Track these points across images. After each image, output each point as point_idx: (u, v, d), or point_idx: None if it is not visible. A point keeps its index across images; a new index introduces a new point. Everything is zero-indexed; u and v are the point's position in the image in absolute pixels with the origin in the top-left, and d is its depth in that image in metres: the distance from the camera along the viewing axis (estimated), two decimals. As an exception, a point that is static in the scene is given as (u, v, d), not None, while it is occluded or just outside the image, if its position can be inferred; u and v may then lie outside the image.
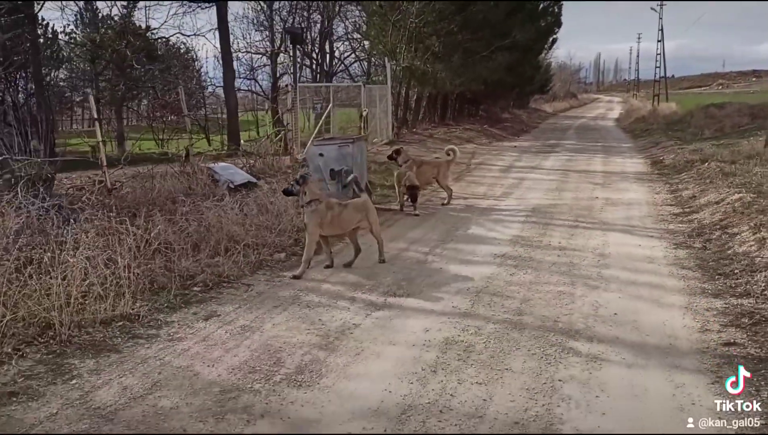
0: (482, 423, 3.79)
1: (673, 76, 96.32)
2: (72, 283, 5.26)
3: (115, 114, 26.09)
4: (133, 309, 5.43)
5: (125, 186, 9.25)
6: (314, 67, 29.59)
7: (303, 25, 27.42)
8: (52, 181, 9.48)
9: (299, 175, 7.21)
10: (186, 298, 5.97)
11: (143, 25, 25.94)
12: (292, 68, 26.76)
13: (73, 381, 4.27)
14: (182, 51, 30.39)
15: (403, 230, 9.30)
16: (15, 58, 17.87)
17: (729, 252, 7.54)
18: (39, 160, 8.09)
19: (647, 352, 4.86)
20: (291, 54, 18.97)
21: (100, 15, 28.28)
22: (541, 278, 6.82)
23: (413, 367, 4.58)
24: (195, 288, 6.22)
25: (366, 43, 30.79)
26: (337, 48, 32.51)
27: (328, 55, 31.21)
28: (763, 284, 6.20)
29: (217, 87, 32.12)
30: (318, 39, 29.45)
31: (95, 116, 9.76)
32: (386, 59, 22.47)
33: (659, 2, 52.61)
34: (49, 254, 5.71)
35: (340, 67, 33.04)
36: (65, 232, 6.27)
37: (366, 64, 33.48)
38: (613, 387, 4.28)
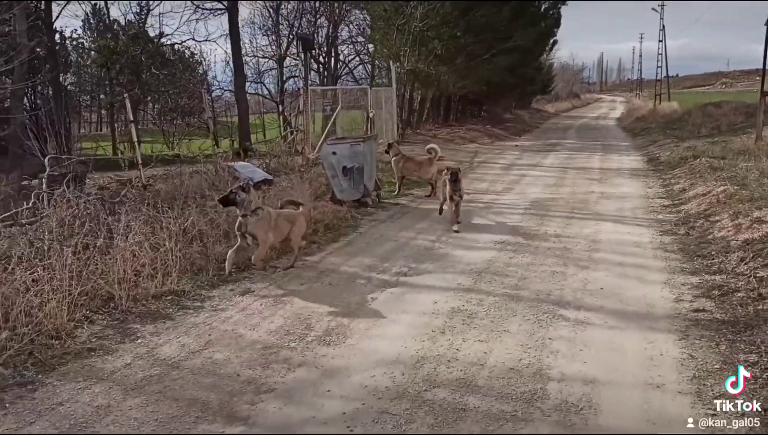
0: (483, 369, 4.57)
1: (677, 75, 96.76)
2: (126, 263, 6.05)
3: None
4: (178, 286, 6.24)
5: (157, 183, 10.05)
6: (321, 70, 30.39)
7: (311, 30, 28.25)
8: (84, 178, 10.32)
9: (243, 183, 6.93)
10: (222, 278, 6.76)
11: (156, 32, 26.85)
12: (300, 72, 27.65)
13: (139, 340, 5.07)
14: (187, 55, 31.22)
15: (412, 222, 10.09)
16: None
17: (709, 237, 8.29)
18: (82, 159, 8.85)
19: (627, 318, 5.63)
20: (302, 59, 19.76)
21: (108, 21, 29.14)
22: (537, 260, 7.58)
23: (424, 329, 5.35)
24: (229, 269, 7.02)
25: (370, 46, 31.65)
26: (342, 51, 33.41)
27: (333, 59, 32.08)
28: (735, 263, 6.95)
29: (225, 90, 33.10)
30: (325, 43, 30.24)
31: (131, 118, 10.56)
32: (391, 62, 23.23)
33: (660, 2, 53.28)
34: (101, 239, 6.53)
35: (345, 70, 33.93)
36: (114, 221, 7.06)
37: (370, 67, 34.33)
38: (595, 343, 5.05)
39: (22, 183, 13.14)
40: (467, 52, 25.70)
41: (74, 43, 30.03)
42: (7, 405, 3.98)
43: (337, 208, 10.48)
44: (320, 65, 30.69)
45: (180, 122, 29.61)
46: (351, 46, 33.37)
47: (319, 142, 15.77)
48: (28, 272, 5.39)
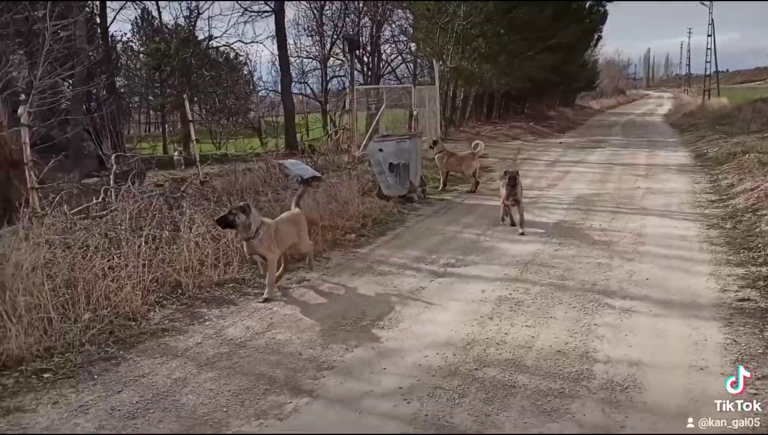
0: (530, 351, 4.80)
1: (726, 70, 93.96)
2: (191, 253, 6.46)
3: (180, 118, 27.78)
4: (239, 274, 6.63)
5: (213, 179, 10.55)
6: (364, 70, 30.84)
7: (354, 30, 28.70)
8: (144, 175, 10.87)
9: (243, 204, 6.26)
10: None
11: (205, 35, 27.66)
12: (345, 72, 28.14)
13: (207, 323, 5.46)
14: (232, 57, 31.96)
15: (457, 216, 10.34)
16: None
17: (756, 230, 8.31)
18: (144, 157, 9.36)
19: (672, 306, 5.77)
20: (348, 59, 20.17)
21: (159, 24, 30.05)
22: (582, 253, 7.74)
23: (473, 315, 5.61)
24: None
25: (413, 45, 31.96)
26: (384, 51, 33.84)
27: (376, 58, 32.53)
28: (781, 255, 7.01)
29: (270, 91, 33.88)
30: (368, 43, 30.67)
31: (189, 118, 11.08)
32: (434, 60, 23.47)
33: (708, -2, 52.03)
34: (167, 231, 6.96)
35: (387, 69, 34.35)
36: (178, 214, 7.51)
37: (412, 65, 34.67)
38: (641, 329, 5.22)
39: (83, 181, 13.85)
40: (510, 49, 25.76)
41: (124, 46, 31.09)
42: (95, 376, 4.39)
43: (384, 203, 10.82)
44: (364, 65, 31.14)
45: (226, 122, 30.44)
46: (393, 46, 33.79)
47: (364, 140, 16.14)
48: (105, 260, 5.84)
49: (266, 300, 6.07)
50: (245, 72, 32.89)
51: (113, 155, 9.39)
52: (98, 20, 23.52)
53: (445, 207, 11.25)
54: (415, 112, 18.12)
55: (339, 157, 14.41)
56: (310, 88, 34.13)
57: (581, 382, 4.28)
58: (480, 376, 4.38)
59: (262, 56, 59.00)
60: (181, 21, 28.60)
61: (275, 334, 5.23)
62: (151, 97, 31.27)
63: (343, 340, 5.08)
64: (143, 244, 6.23)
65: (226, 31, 36.08)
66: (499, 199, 9.60)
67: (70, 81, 18.01)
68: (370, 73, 30.70)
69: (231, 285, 6.43)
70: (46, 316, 4.90)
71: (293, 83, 29.85)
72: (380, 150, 11.48)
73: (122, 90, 31.47)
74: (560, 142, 24.90)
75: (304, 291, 6.45)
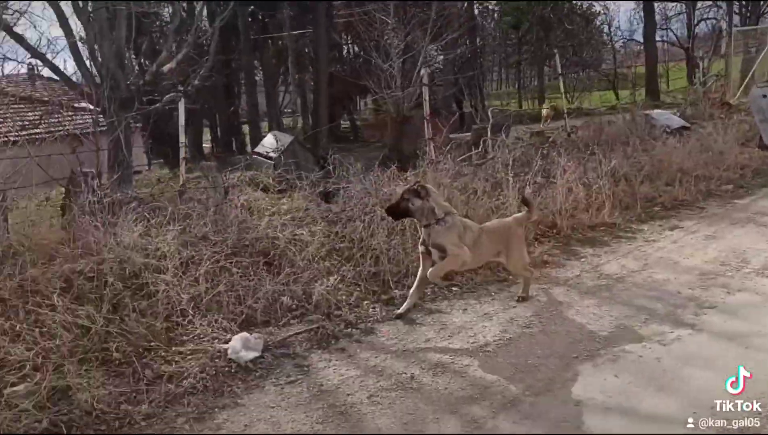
0: None
1: None
2: (564, 198, 6.94)
3: (537, 72, 28.49)
4: (610, 219, 6.92)
5: (578, 131, 10.93)
6: (742, 10, 27.45)
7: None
8: (509, 128, 11.74)
9: (416, 186, 4.91)
10: (649, 215, 7.28)
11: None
12: (718, 14, 25.52)
13: (582, 259, 5.94)
14: (585, 7, 31.14)
15: None
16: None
17: None
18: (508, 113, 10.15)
19: None
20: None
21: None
22: None
23: None
24: (656, 208, 7.47)
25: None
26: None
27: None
28: None
29: (628, 40, 32.39)
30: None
31: (559, 71, 11.62)
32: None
33: None
34: (539, 177, 7.54)
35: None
36: (547, 163, 8.08)
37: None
38: None
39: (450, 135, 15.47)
40: None
41: (481, 7, 32.58)
42: (492, 293, 5.19)
43: (766, 154, 9.94)
44: (740, 3, 27.71)
45: (580, 75, 30.16)
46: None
47: (741, 87, 14.73)
48: (492, 200, 6.67)
49: (399, 316, 4.79)
50: (599, 22, 32.01)
51: (490, 109, 10.36)
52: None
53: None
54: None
55: (710, 106, 13.43)
56: (674, 33, 31.62)
57: None
58: None
59: (618, 4, 55.78)
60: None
61: (651, 273, 5.45)
62: (503, 55, 32.40)
63: (724, 285, 5.07)
64: (524, 187, 6.90)
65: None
66: None
67: (441, 46, 19.95)
68: (748, 13, 27.15)
69: (602, 228, 6.76)
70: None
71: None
72: (764, 96, 10.49)
73: (480, 50, 33.36)
74: None
75: (679, 236, 6.51)
